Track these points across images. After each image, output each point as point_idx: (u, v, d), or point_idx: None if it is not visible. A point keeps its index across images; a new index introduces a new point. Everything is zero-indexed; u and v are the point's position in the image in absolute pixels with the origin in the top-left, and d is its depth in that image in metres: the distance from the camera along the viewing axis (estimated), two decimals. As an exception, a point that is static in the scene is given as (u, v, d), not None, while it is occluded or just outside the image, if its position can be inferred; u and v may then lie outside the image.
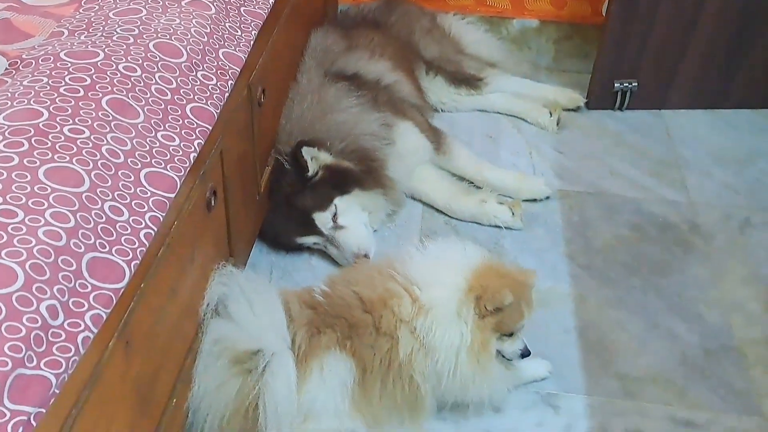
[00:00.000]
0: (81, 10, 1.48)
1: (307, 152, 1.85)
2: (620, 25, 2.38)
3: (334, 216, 1.89)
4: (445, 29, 2.58)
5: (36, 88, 1.18)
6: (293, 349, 1.44)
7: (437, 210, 2.12)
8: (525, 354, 1.52)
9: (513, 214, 2.05)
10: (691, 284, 1.90)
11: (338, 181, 1.90)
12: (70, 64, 1.25)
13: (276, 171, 1.91)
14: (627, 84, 2.49)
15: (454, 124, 2.46)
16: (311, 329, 1.47)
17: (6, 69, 1.27)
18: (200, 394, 1.37)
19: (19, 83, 1.20)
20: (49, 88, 1.18)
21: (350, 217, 1.91)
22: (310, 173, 1.87)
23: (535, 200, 2.15)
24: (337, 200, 1.89)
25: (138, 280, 1.09)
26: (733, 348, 1.73)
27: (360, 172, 1.93)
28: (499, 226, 2.05)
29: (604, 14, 2.55)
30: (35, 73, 1.23)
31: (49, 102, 1.15)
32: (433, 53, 2.47)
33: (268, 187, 1.89)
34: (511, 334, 1.50)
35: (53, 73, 1.22)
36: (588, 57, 2.68)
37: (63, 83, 1.20)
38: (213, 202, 1.39)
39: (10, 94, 1.17)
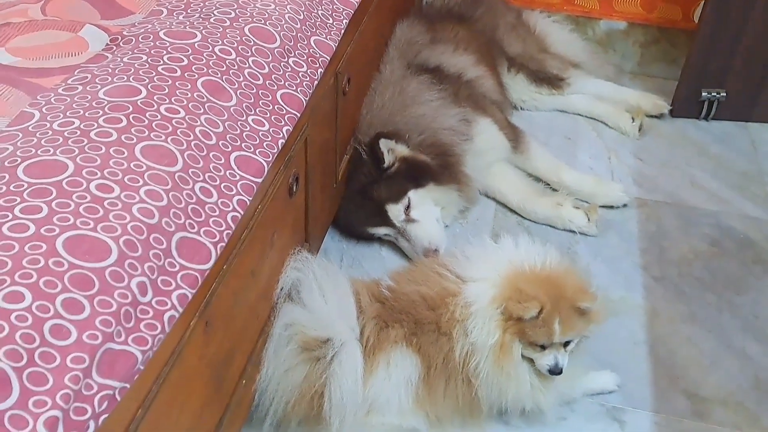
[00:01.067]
0: (180, -11, 1.50)
1: (384, 144, 1.84)
2: (712, 32, 2.29)
3: (407, 209, 1.88)
4: (530, 26, 2.54)
5: (135, 65, 1.20)
6: (361, 340, 1.44)
7: (510, 210, 2.09)
8: (553, 372, 1.44)
9: (588, 219, 2.00)
10: (770, 305, 1.82)
11: (414, 174, 1.89)
12: (168, 44, 1.27)
13: (354, 160, 1.91)
14: (715, 93, 2.41)
15: (533, 123, 2.42)
16: (380, 322, 1.47)
17: (107, 45, 1.30)
18: (268, 377, 1.38)
19: (119, 59, 1.23)
20: (147, 66, 1.20)
21: (423, 211, 1.90)
22: (385, 165, 1.86)
23: (611, 207, 2.10)
24: (411, 193, 1.88)
25: (221, 262, 1.11)
26: (811, 375, 1.66)
27: (436, 167, 1.92)
28: (573, 231, 2.01)
29: (696, 20, 2.46)
30: (135, 51, 1.25)
31: (147, 80, 1.17)
32: (516, 50, 2.44)
33: (345, 176, 1.90)
34: (543, 347, 1.43)
35: (152, 52, 1.24)
36: (675, 63, 2.60)
37: (161, 62, 1.21)
38: (295, 188, 1.40)
39: (110, 70, 1.19)
